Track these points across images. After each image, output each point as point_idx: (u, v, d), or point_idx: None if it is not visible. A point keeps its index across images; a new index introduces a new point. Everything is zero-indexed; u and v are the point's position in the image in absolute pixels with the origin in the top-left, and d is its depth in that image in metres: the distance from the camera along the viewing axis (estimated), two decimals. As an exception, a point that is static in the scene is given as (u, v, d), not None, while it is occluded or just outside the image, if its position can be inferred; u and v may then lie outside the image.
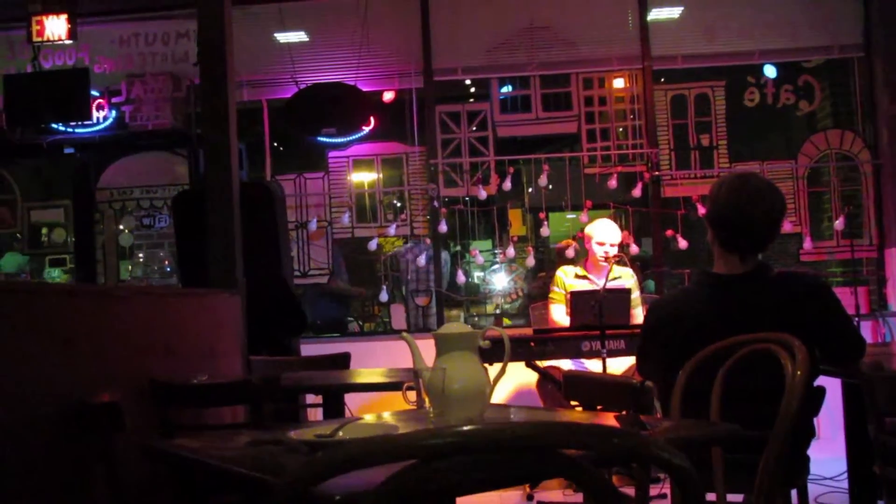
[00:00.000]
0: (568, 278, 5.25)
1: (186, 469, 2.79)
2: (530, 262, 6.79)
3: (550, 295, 5.34)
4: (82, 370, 2.68)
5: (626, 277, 5.18)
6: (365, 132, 6.89)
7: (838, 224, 6.49)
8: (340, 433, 1.78)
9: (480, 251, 7.02)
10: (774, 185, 2.82)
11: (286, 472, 0.95)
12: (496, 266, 7.71)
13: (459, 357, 1.94)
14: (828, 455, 3.71)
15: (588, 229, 5.28)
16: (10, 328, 2.33)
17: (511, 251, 6.70)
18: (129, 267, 7.12)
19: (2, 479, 2.17)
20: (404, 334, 2.07)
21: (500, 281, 7.82)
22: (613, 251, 5.09)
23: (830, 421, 3.24)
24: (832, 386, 2.84)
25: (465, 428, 0.85)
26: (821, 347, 2.67)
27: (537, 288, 7.01)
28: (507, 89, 7.11)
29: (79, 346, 2.68)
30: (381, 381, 3.52)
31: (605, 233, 5.14)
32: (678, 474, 0.88)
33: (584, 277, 5.23)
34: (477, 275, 8.70)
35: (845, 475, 3.53)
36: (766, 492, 2.07)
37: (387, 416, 2.25)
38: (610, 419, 1.96)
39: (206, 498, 2.79)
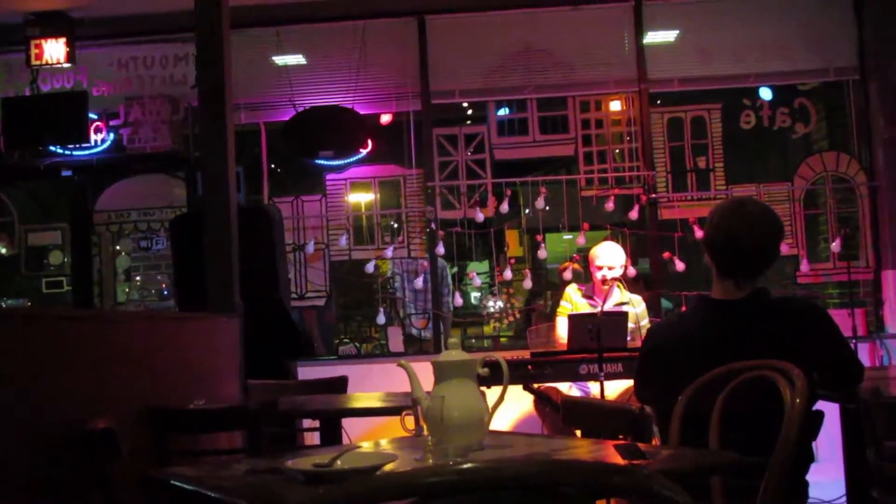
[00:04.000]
0: (576, 295, 5.31)
1: (184, 497, 2.78)
2: (527, 284, 6.79)
3: (558, 309, 5.38)
4: (81, 395, 2.68)
5: (634, 304, 5.18)
6: (362, 155, 6.90)
7: (835, 246, 6.50)
8: (338, 462, 1.77)
9: (478, 273, 7.02)
10: (771, 210, 2.83)
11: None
12: (493, 288, 7.72)
13: (458, 385, 1.94)
14: (827, 478, 3.69)
15: (591, 252, 5.32)
16: (10, 354, 2.33)
17: (508, 273, 6.70)
18: (127, 289, 7.11)
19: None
20: (402, 362, 2.06)
21: (497, 303, 7.82)
22: (612, 274, 5.11)
23: (829, 444, 3.23)
24: (831, 408, 2.84)
25: (465, 466, 0.85)
26: (819, 373, 2.67)
27: (540, 309, 7.03)
28: (503, 112, 7.13)
29: (77, 371, 2.68)
30: (379, 406, 3.51)
31: (603, 256, 5.18)
32: (678, 511, 0.88)
33: (589, 297, 5.27)
34: (474, 296, 8.70)
35: (844, 499, 3.52)
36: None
37: (384, 444, 2.25)
38: (609, 448, 1.96)
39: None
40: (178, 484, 1.76)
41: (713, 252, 2.77)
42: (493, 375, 2.09)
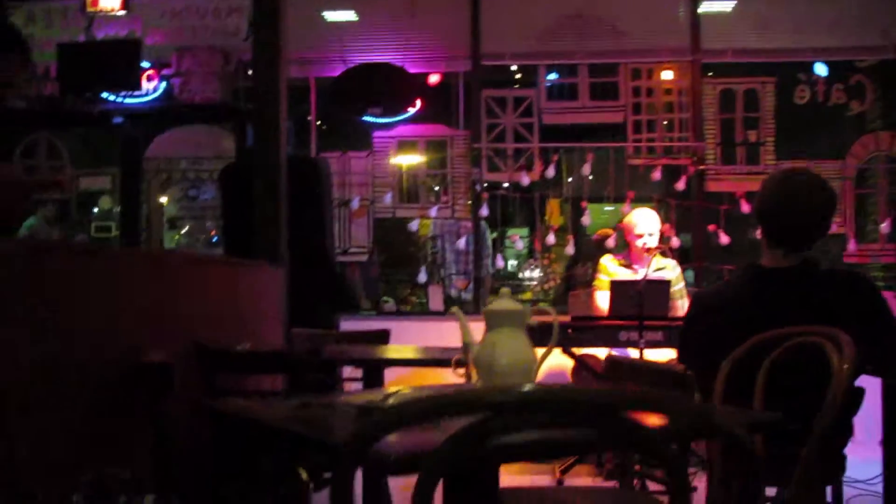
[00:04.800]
0: (612, 266, 5.26)
1: (231, 432, 2.85)
2: (569, 250, 6.78)
3: (595, 282, 5.34)
4: (134, 331, 2.75)
5: (669, 269, 5.16)
6: (411, 114, 6.92)
7: (884, 227, 6.41)
8: (390, 400, 1.81)
9: (520, 237, 7.03)
10: (825, 181, 2.81)
11: (362, 421, 0.99)
12: (534, 255, 7.72)
13: (508, 333, 1.97)
14: (861, 458, 3.69)
15: (627, 220, 5.27)
16: (70, 287, 2.39)
17: (552, 238, 6.71)
18: (176, 237, 7.22)
19: (57, 432, 2.24)
20: (455, 308, 2.10)
21: (534, 271, 7.83)
22: (653, 241, 5.07)
23: (866, 425, 3.21)
24: (869, 391, 2.83)
25: (534, 388, 0.88)
26: (862, 346, 2.66)
27: (581, 275, 7.01)
28: (553, 76, 7.10)
29: (131, 308, 2.74)
30: (423, 357, 3.55)
31: (643, 223, 5.13)
32: (739, 444, 0.91)
33: (628, 267, 5.23)
34: (511, 264, 8.71)
35: (878, 479, 3.51)
36: (807, 484, 2.07)
37: (428, 390, 2.28)
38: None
39: (251, 459, 2.85)
40: (236, 413, 1.81)
41: (765, 220, 2.76)
42: (539, 335, 2.10)
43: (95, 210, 8.00)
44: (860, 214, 6.74)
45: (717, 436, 0.90)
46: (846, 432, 2.78)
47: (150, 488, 1.78)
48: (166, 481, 1.80)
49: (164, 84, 7.13)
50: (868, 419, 3.16)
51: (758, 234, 2.86)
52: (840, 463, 2.83)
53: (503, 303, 2.02)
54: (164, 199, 7.59)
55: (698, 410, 0.89)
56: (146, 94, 7.10)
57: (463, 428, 0.89)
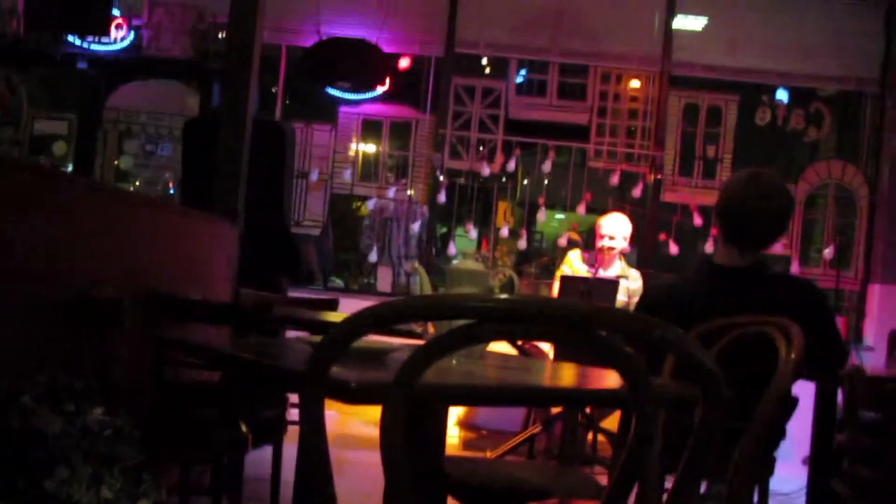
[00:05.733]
0: (576, 261, 5.32)
1: (169, 385, 2.85)
2: (522, 244, 6.84)
3: (557, 272, 5.40)
4: (86, 265, 2.71)
5: (631, 279, 5.22)
6: (378, 92, 6.90)
7: (827, 253, 6.59)
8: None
9: (474, 226, 7.07)
10: (786, 186, 2.89)
11: (336, 325, 1.00)
12: (480, 253, 7.76)
13: (470, 291, 1.99)
14: (784, 473, 3.79)
15: (598, 221, 5.35)
16: (25, 205, 2.35)
17: (505, 231, 6.76)
18: (131, 188, 7.11)
19: (6, 344, 2.19)
20: (416, 265, 2.12)
21: (487, 259, 7.87)
22: (612, 244, 5.14)
23: (789, 444, 3.29)
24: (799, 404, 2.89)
25: (513, 297, 0.90)
26: (807, 348, 2.73)
27: (528, 272, 7.09)
28: (524, 72, 7.15)
29: (85, 240, 2.70)
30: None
31: (607, 225, 5.20)
32: (705, 375, 0.94)
33: (591, 266, 5.29)
34: (458, 259, 8.72)
35: (798, 493, 3.61)
36: (740, 477, 2.09)
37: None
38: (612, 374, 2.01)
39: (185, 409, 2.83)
40: (194, 344, 1.80)
41: (724, 217, 2.82)
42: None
43: (43, 158, 7.80)
44: (806, 239, 6.91)
45: (687, 360, 0.93)
46: (779, 434, 2.85)
47: (100, 402, 1.77)
48: (113, 402, 1.79)
49: (132, 34, 7.02)
50: (791, 438, 3.24)
51: (707, 247, 2.93)
52: (770, 464, 2.90)
53: (467, 263, 2.04)
54: (120, 154, 7.46)
55: (672, 335, 0.92)
56: (113, 43, 6.98)
57: (443, 333, 0.91)
